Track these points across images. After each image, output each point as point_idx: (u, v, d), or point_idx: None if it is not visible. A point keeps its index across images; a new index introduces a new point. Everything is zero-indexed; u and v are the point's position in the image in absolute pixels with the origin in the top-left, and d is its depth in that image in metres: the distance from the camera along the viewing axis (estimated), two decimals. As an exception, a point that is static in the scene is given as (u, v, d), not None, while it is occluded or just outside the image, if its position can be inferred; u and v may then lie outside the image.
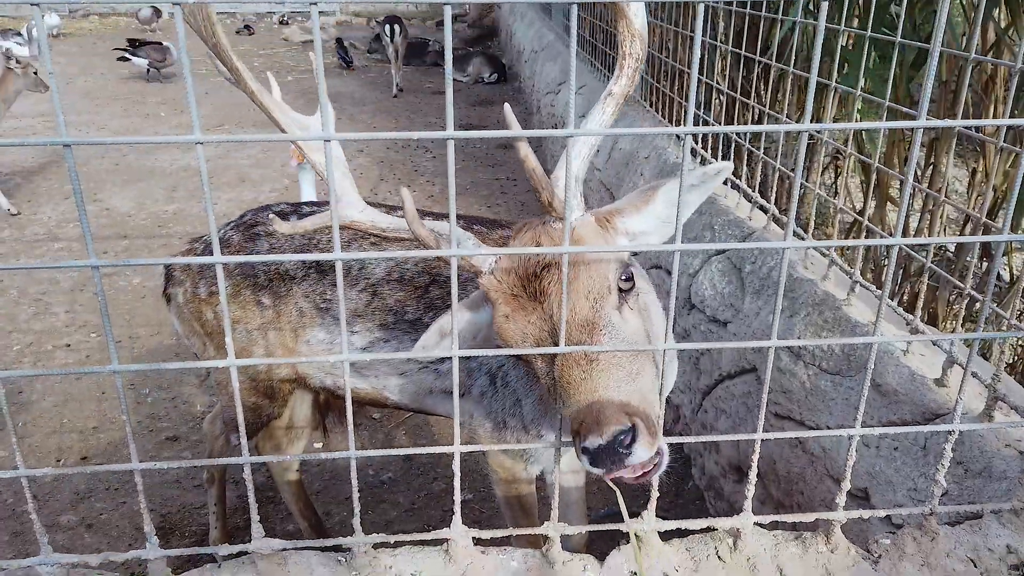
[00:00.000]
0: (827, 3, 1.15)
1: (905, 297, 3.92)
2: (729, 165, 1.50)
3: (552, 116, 8.07)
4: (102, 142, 1.16)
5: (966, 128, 2.48)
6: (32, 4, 1.05)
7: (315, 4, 1.13)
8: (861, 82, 2.52)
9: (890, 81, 2.29)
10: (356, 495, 1.39)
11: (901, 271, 3.88)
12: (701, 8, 1.14)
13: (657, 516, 1.52)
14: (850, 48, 3.69)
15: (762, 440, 1.46)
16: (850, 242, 1.20)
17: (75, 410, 4.05)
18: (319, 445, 3.65)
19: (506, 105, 1.40)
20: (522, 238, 1.54)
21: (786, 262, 1.25)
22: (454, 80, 11.05)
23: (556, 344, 1.40)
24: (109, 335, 1.24)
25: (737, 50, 3.69)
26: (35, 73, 7.29)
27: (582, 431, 1.29)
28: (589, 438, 1.27)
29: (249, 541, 1.40)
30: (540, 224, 1.53)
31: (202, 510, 3.33)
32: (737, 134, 3.78)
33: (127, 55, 12.65)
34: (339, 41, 15.12)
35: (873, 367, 2.19)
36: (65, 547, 3.17)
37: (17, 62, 7.08)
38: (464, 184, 7.99)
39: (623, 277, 1.45)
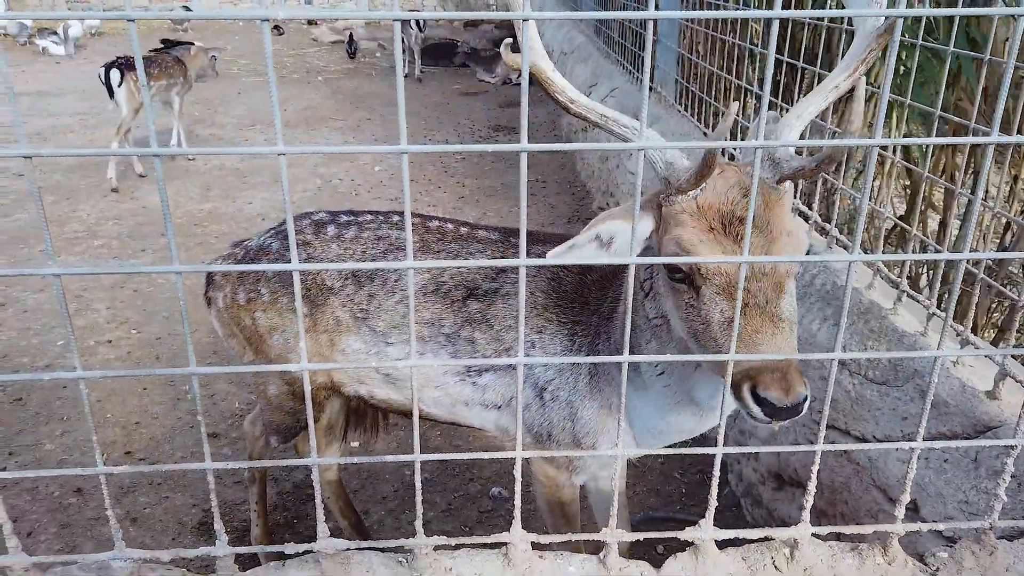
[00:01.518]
0: (902, 20, 1.16)
1: (943, 305, 3.88)
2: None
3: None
4: (186, 152, 1.20)
5: None
6: (129, 20, 1.09)
7: (398, 20, 1.15)
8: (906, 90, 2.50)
9: (941, 90, 2.28)
10: (419, 497, 1.42)
11: (940, 280, 3.85)
12: (776, 24, 1.15)
13: (692, 523, 1.52)
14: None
15: (809, 450, 1.47)
16: (918, 256, 1.21)
17: (117, 405, 4.13)
18: (356, 444, 3.70)
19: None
20: (724, 175, 1.60)
21: (852, 275, 1.25)
22: (482, 81, 11.06)
23: (744, 288, 1.52)
24: (187, 337, 1.27)
25: (779, 56, 3.67)
26: (213, 58, 9.73)
27: (765, 384, 1.45)
28: (776, 395, 1.44)
29: (287, 540, 1.44)
30: (744, 173, 1.61)
31: (242, 506, 3.39)
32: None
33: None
34: (350, 36, 16.11)
35: (924, 379, 2.18)
36: (111, 540, 3.23)
37: (214, 51, 9.90)
38: (494, 186, 8.03)
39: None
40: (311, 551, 1.46)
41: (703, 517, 1.46)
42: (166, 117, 8.93)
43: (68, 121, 10.21)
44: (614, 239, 1.62)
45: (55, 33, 15.84)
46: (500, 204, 7.51)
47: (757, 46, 4.01)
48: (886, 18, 1.58)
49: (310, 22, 19.56)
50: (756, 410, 1.47)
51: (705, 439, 2.23)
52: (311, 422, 1.35)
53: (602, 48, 8.64)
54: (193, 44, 13.21)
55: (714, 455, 1.39)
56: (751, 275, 1.51)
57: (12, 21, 16.54)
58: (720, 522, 1.48)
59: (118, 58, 7.93)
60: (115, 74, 7.76)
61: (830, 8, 3.44)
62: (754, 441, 3.07)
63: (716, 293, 1.55)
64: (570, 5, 11.60)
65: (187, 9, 17.33)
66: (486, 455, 1.38)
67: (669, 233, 1.59)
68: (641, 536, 1.48)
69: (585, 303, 2.17)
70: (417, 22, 12.95)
